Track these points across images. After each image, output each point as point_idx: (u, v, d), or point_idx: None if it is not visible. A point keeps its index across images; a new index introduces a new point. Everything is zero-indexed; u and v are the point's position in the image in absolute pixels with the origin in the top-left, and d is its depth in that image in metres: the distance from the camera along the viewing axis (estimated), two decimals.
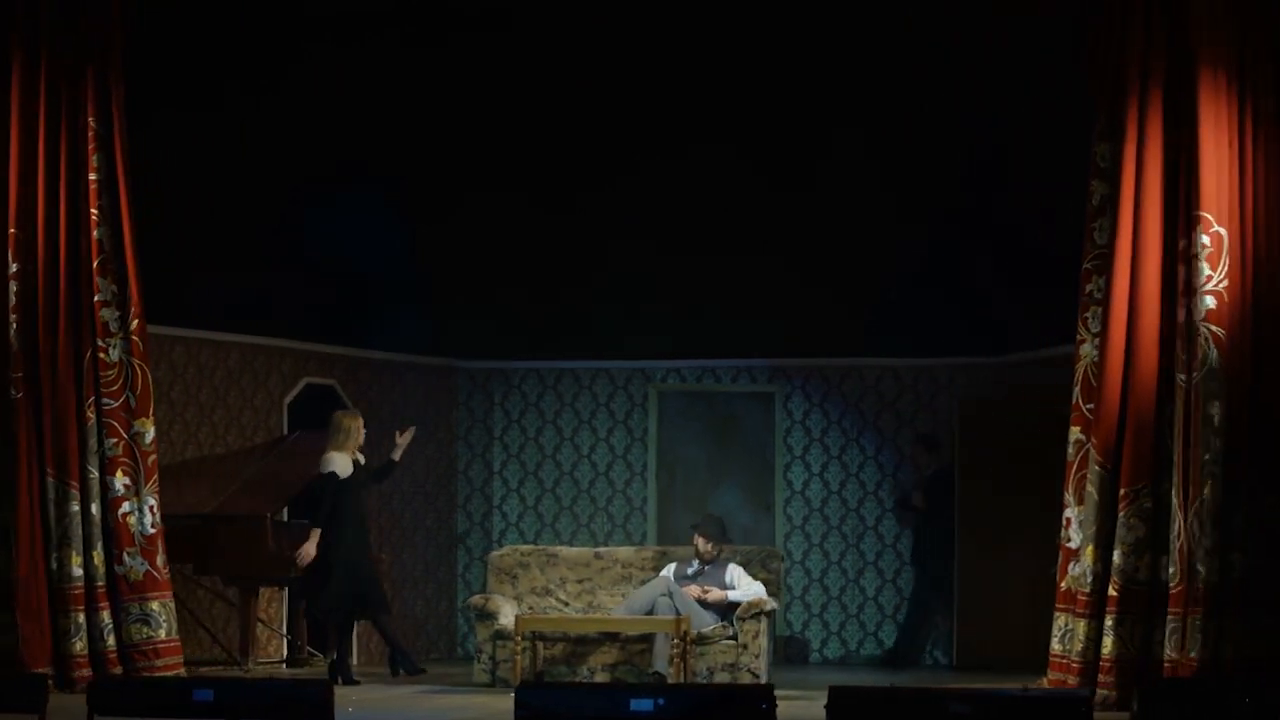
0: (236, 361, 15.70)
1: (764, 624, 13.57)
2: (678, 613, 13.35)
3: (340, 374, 16.44)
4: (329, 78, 15.82)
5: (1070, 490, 12.38)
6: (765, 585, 13.82)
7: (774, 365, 16.99)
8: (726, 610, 13.66)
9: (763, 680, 13.29)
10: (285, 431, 15.80)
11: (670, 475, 16.99)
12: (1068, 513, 12.40)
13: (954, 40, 15.24)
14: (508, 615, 13.85)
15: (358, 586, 13.74)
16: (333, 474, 13.71)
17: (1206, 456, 11.79)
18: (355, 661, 15.23)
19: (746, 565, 14.01)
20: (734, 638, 13.54)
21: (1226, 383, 11.84)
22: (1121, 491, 12.16)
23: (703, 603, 13.59)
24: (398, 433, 14.20)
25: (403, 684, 13.84)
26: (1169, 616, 11.85)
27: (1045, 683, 12.28)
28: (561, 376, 17.27)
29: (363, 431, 13.92)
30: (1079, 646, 12.14)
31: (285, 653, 15.41)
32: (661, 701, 8.83)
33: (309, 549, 13.65)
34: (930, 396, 16.75)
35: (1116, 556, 12.11)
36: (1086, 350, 12.48)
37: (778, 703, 8.51)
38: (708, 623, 13.55)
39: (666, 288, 16.34)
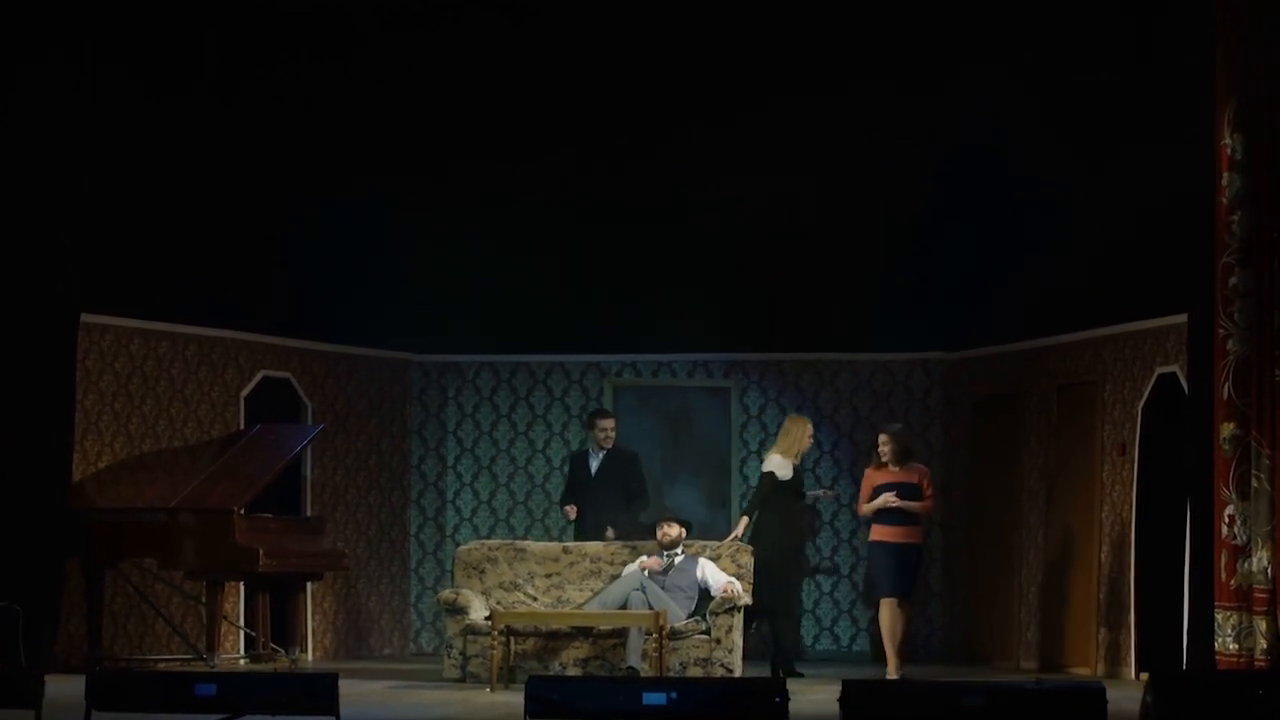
0: (194, 354, 15.52)
1: (737, 618, 13.54)
2: (651, 607, 13.30)
3: (295, 367, 16.29)
4: (293, 74, 15.72)
5: (1230, 487, 11.94)
6: (737, 580, 13.80)
7: (730, 360, 16.98)
8: (699, 605, 13.63)
9: (736, 675, 13.27)
10: (242, 425, 15.64)
11: None
12: (1229, 510, 11.95)
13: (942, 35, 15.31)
14: (478, 610, 13.75)
15: (761, 583, 14.12)
16: (770, 473, 14.63)
17: None
18: (314, 655, 15.12)
19: (717, 560, 13.97)
20: (707, 633, 13.51)
21: None
22: None
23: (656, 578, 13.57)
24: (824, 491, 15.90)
25: (371, 679, 13.72)
26: None
27: None
28: (516, 370, 17.18)
29: (810, 438, 14.84)
30: (1263, 645, 11.73)
31: (244, 647, 15.27)
32: (674, 695, 8.79)
33: (737, 532, 14.72)
34: (887, 392, 16.79)
35: None
36: (1234, 345, 12.06)
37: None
38: (681, 617, 13.51)
39: (621, 281, 16.30)
